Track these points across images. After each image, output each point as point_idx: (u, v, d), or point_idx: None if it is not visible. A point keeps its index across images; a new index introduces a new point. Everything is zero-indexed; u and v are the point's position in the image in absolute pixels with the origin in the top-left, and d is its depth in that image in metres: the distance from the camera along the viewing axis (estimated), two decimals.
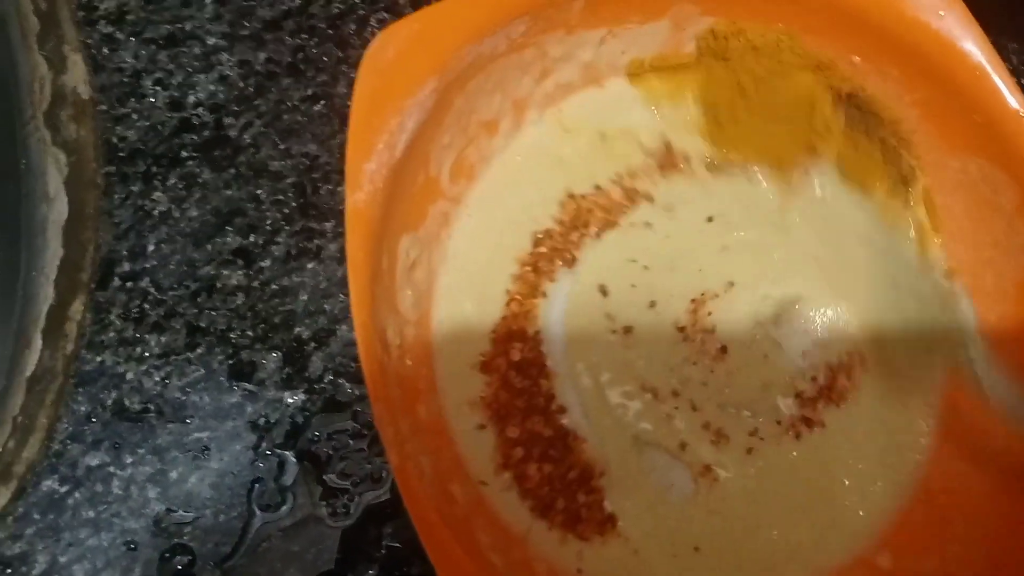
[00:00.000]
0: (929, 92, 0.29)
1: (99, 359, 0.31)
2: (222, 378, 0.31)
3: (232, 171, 0.33)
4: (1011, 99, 0.27)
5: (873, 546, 0.28)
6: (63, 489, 0.29)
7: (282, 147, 0.33)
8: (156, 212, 0.32)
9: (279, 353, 0.31)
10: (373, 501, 0.30)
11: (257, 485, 0.30)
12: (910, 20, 0.27)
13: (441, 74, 0.26)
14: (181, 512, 0.29)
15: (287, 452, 0.30)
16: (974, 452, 0.28)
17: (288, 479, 0.30)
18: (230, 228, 0.32)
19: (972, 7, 0.27)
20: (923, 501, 0.29)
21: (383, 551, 0.29)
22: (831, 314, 0.31)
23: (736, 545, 0.29)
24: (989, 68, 0.27)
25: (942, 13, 0.27)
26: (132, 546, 0.29)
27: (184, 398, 0.30)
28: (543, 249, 0.31)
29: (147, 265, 0.32)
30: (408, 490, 0.22)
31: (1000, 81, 0.27)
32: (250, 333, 0.31)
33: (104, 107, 0.33)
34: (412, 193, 0.28)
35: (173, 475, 0.30)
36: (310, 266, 0.32)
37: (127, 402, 0.30)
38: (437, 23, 0.26)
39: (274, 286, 0.32)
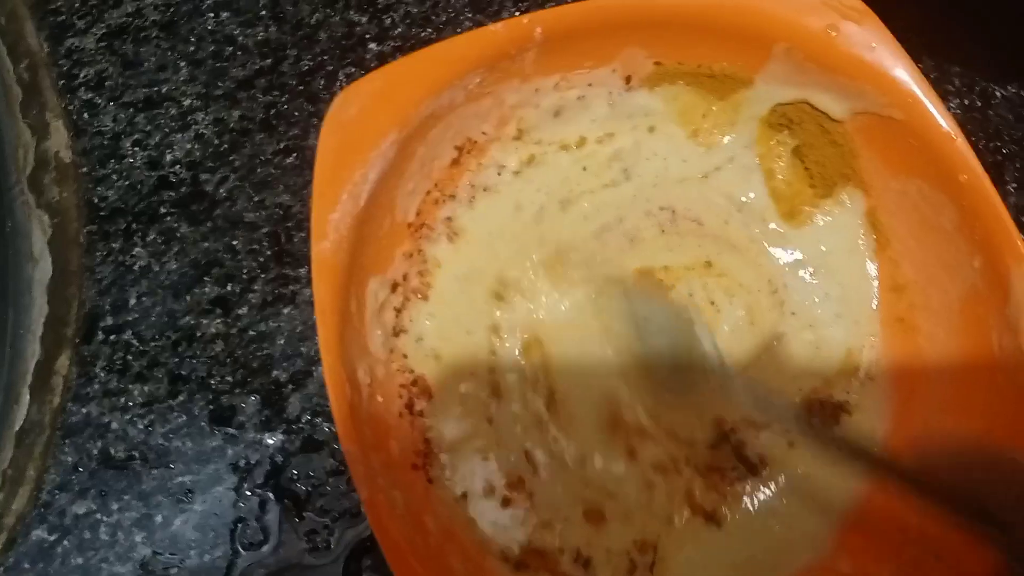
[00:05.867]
0: (868, 119, 0.30)
1: (85, 410, 0.32)
2: (203, 423, 0.32)
3: (209, 224, 0.34)
4: (943, 122, 0.28)
5: None
6: (52, 538, 0.30)
7: (256, 199, 0.35)
8: (137, 267, 0.34)
9: (258, 396, 0.32)
10: (352, 536, 0.30)
11: (240, 525, 0.30)
12: (844, 54, 0.29)
13: (402, 126, 0.27)
14: (167, 555, 0.30)
15: (268, 492, 0.31)
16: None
17: (270, 518, 0.31)
18: (208, 279, 0.34)
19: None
20: None
21: None
22: None
23: None
24: (920, 93, 0.28)
25: (874, 46, 0.29)
26: None
27: (167, 444, 0.31)
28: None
29: (129, 318, 0.33)
30: (379, 525, 0.23)
31: (931, 105, 0.28)
32: (229, 379, 0.32)
33: (85, 169, 0.35)
34: (378, 238, 0.29)
35: (158, 519, 0.30)
36: (286, 311, 0.33)
37: (112, 451, 0.31)
38: (397, 80, 0.27)
39: (252, 332, 0.33)
